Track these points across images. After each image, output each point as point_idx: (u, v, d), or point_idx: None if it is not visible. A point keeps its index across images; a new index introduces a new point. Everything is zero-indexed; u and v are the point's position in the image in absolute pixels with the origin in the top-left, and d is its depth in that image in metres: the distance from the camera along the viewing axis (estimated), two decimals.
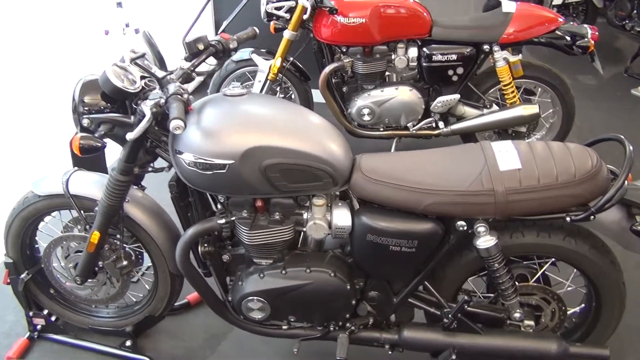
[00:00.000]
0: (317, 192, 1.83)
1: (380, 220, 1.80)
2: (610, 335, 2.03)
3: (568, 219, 1.73)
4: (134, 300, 2.33)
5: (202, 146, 1.72)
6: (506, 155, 1.77)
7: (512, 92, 3.34)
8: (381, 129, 3.49)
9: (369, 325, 2.02)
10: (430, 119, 3.44)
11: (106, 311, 2.32)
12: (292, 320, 1.99)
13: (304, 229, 1.87)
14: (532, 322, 1.95)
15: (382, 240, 1.80)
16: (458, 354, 1.93)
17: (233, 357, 2.26)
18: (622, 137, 1.80)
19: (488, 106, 3.39)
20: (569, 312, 2.10)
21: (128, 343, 2.26)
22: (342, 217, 1.84)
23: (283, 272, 1.90)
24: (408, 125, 3.46)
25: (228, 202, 1.86)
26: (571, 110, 3.47)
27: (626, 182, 1.74)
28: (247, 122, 1.75)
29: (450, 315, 1.88)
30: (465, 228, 1.78)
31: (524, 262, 2.01)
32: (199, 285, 1.98)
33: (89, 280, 2.14)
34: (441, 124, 3.42)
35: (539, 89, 3.49)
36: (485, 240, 1.78)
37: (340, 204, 1.87)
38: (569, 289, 2.06)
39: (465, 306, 1.86)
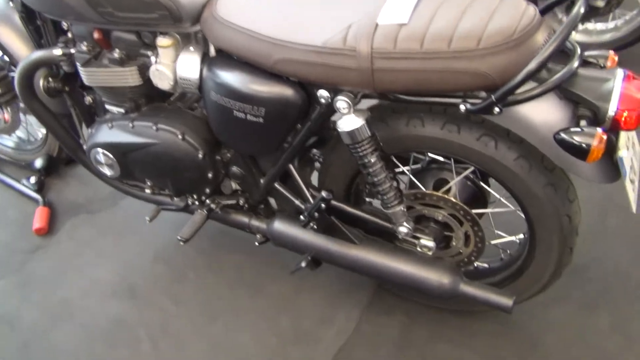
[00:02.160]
0: (158, 29, 1.41)
1: (222, 74, 1.36)
2: (545, 285, 1.49)
3: (462, 107, 1.18)
4: (40, 136, 2.16)
5: None
6: (398, 3, 1.21)
7: None
8: None
9: (244, 208, 1.66)
10: None
11: (12, 141, 2.18)
12: (149, 184, 1.69)
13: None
14: (430, 243, 1.46)
15: (225, 101, 1.37)
16: (326, 262, 1.53)
17: (129, 217, 2.04)
18: None
19: None
20: (504, 240, 1.58)
21: (32, 179, 2.12)
22: (187, 65, 1.42)
23: (131, 125, 1.56)
24: None
25: (72, 30, 1.52)
26: None
27: (575, 64, 1.13)
28: None
29: (306, 213, 1.45)
30: (329, 100, 1.29)
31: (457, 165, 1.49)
32: (47, 123, 1.71)
33: None
34: None
35: None
36: (347, 121, 1.28)
37: (191, 49, 1.44)
38: (505, 209, 1.51)
39: (322, 205, 1.41)
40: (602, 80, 1.15)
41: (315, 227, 1.47)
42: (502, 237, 1.57)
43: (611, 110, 1.11)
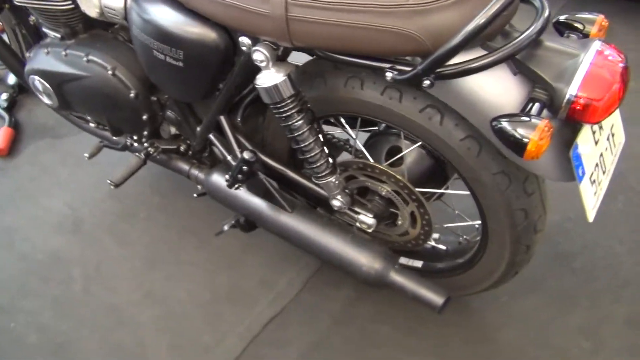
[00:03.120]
0: None
1: (143, 7, 1.18)
2: (497, 283, 1.30)
3: (388, 74, 0.97)
4: None
5: None
6: None
7: None
8: None
9: (188, 154, 1.52)
10: None
11: None
12: (89, 118, 1.56)
13: None
14: (369, 220, 1.28)
15: (144, 38, 1.20)
16: (259, 226, 1.40)
17: (91, 140, 1.94)
18: None
19: None
20: (461, 225, 1.39)
21: (3, 96, 2.05)
22: None
23: (64, 53, 1.42)
24: None
25: None
26: None
27: (537, 29, 0.90)
28: None
29: (230, 173, 1.30)
30: (250, 50, 1.10)
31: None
32: None
33: None
34: None
35: None
36: (264, 76, 1.09)
37: None
38: (459, 192, 1.30)
39: (244, 167, 1.25)
40: (568, 55, 0.92)
41: (243, 188, 1.32)
42: (461, 220, 1.38)
43: (569, 94, 0.88)
